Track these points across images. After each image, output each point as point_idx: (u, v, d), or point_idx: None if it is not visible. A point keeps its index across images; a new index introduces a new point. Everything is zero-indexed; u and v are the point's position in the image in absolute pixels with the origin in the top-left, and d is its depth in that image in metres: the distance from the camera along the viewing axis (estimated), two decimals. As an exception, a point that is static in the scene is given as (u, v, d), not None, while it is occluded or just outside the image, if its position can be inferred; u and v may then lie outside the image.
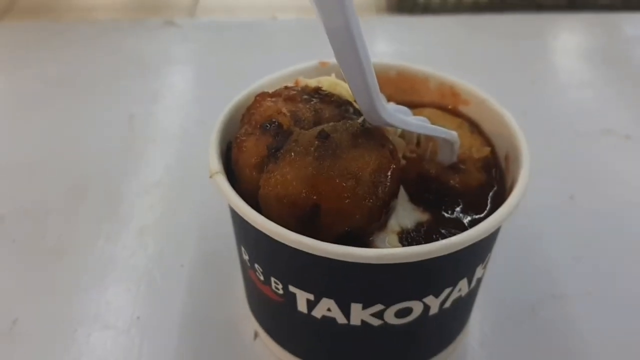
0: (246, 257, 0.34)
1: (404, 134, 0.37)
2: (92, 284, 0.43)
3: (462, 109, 0.39)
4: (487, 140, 0.38)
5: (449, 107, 0.40)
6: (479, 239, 0.29)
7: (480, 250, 0.32)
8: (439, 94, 0.40)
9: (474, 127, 0.38)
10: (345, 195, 0.29)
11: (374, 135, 0.31)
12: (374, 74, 0.28)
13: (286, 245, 0.29)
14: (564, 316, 0.41)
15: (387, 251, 0.28)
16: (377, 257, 0.28)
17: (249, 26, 0.79)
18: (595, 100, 0.65)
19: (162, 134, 0.59)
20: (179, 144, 0.57)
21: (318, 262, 0.29)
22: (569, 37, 0.79)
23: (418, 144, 0.37)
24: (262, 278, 0.33)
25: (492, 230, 0.29)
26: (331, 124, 0.31)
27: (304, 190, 0.29)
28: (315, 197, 0.29)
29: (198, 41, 0.76)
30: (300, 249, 0.28)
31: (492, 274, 0.42)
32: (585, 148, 0.57)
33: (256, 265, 0.33)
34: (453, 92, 0.40)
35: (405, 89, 0.42)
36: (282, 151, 0.30)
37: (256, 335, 0.40)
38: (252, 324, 0.40)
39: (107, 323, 0.41)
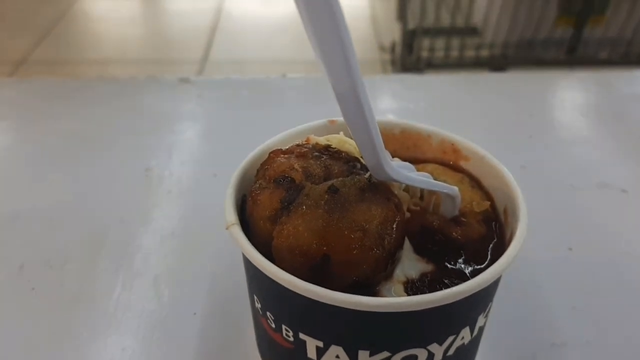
0: (258, 305, 0.36)
1: (408, 188, 0.39)
2: (108, 332, 0.45)
3: (463, 164, 0.42)
4: (486, 195, 0.40)
5: (451, 162, 0.42)
6: (480, 288, 0.31)
7: (481, 300, 0.33)
8: (441, 151, 0.43)
9: (474, 182, 0.41)
10: (354, 246, 0.31)
11: (380, 189, 0.34)
12: (379, 133, 0.30)
13: (297, 294, 0.31)
14: (565, 365, 0.42)
15: (393, 300, 0.30)
16: (384, 305, 0.30)
17: (260, 83, 0.82)
18: (592, 155, 0.67)
19: (176, 186, 0.61)
20: (192, 196, 0.60)
21: (327, 311, 0.31)
22: (566, 94, 0.82)
23: (421, 197, 0.39)
24: (273, 326, 0.35)
25: (492, 280, 0.31)
26: (340, 179, 0.34)
27: (314, 242, 0.31)
28: (325, 248, 0.31)
29: (211, 98, 0.79)
30: (311, 297, 0.30)
31: (494, 323, 0.44)
32: (582, 201, 0.59)
33: (268, 314, 0.35)
34: (454, 149, 0.42)
35: (408, 145, 0.44)
36: (294, 204, 0.33)
37: (266, 381, 0.41)
38: (262, 371, 0.42)
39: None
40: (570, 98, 0.81)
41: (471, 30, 2.19)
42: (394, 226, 0.33)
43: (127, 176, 0.62)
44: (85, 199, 0.59)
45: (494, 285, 0.34)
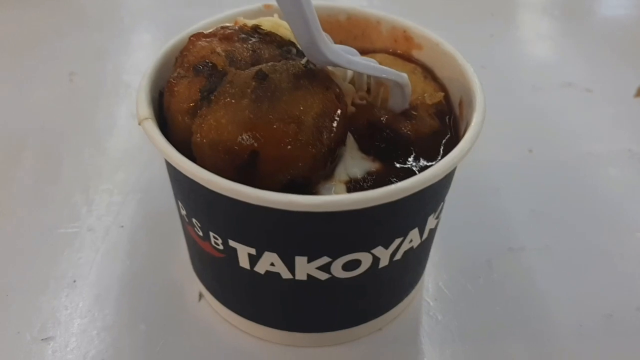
0: (183, 212, 0.32)
1: (354, 80, 0.35)
2: (28, 246, 0.41)
3: (416, 54, 0.37)
4: (441, 87, 0.36)
5: (402, 52, 0.38)
6: (428, 184, 0.27)
7: (431, 198, 0.30)
8: (392, 39, 0.38)
9: (428, 73, 0.36)
10: (286, 140, 0.27)
11: (318, 77, 0.29)
12: (312, 5, 0.25)
13: (222, 196, 0.26)
14: (521, 270, 0.40)
15: (330, 198, 0.26)
16: (319, 204, 0.26)
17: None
18: (556, 55, 0.64)
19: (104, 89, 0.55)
20: (120, 100, 0.54)
21: (257, 213, 0.27)
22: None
23: (368, 91, 0.35)
24: (200, 234, 0.31)
25: (442, 175, 0.28)
26: (270, 64, 0.29)
27: (240, 136, 0.27)
28: (253, 143, 0.27)
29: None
30: (237, 198, 0.26)
31: (447, 228, 0.41)
32: (544, 101, 0.56)
33: (194, 220, 0.31)
34: (406, 37, 0.37)
35: (356, 34, 0.39)
36: (215, 93, 0.28)
37: (201, 296, 0.38)
38: (196, 285, 0.38)
39: (45, 286, 0.38)
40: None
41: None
42: (335, 118, 0.29)
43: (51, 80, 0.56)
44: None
45: (445, 182, 0.30)
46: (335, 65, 0.28)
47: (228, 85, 0.28)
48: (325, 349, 0.35)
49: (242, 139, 0.27)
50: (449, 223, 0.42)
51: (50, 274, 0.39)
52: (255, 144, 0.27)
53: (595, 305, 0.38)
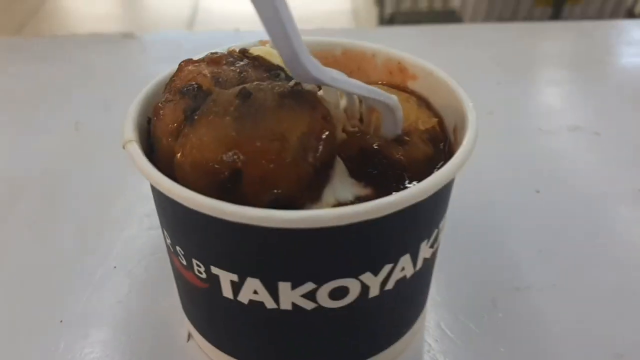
0: (169, 240, 0.31)
1: (346, 109, 0.34)
2: (14, 295, 0.40)
3: (410, 84, 0.37)
4: (435, 114, 0.35)
5: (397, 84, 0.37)
6: (415, 201, 0.26)
7: (420, 221, 0.28)
8: (387, 71, 0.38)
9: (422, 102, 0.36)
10: (270, 158, 0.26)
11: (305, 97, 0.28)
12: (294, 22, 0.25)
13: (200, 215, 0.26)
14: (528, 309, 0.38)
15: (310, 212, 0.25)
16: (298, 219, 0.24)
17: (210, 36, 0.77)
18: (563, 99, 0.63)
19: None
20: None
21: (236, 232, 0.26)
22: (536, 43, 0.77)
23: (361, 120, 0.34)
24: (184, 262, 0.30)
25: (429, 192, 0.26)
26: (255, 83, 0.28)
27: (222, 154, 0.26)
28: (235, 161, 0.26)
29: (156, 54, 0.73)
30: (214, 215, 0.25)
31: (449, 266, 0.39)
32: (552, 144, 0.55)
33: (177, 248, 0.30)
34: (400, 68, 0.37)
35: (352, 68, 0.39)
36: (198, 113, 0.28)
37: (189, 336, 0.36)
38: (185, 325, 0.36)
39: (31, 328, 0.37)
40: (541, 46, 0.76)
41: (449, 14, 2.14)
42: (321, 138, 0.28)
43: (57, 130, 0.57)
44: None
45: (436, 203, 0.29)
46: (319, 82, 0.27)
47: (211, 103, 0.27)
48: (317, 391, 0.33)
49: (224, 157, 0.26)
50: (452, 261, 0.40)
51: (39, 315, 0.38)
52: (238, 163, 0.26)
53: (606, 345, 0.35)
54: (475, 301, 0.38)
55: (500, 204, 0.47)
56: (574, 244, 0.43)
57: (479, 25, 0.81)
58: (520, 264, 0.41)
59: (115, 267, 0.41)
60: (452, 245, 0.40)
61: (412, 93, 0.37)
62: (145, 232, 0.44)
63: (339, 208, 0.25)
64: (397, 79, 0.38)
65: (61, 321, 0.37)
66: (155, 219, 0.44)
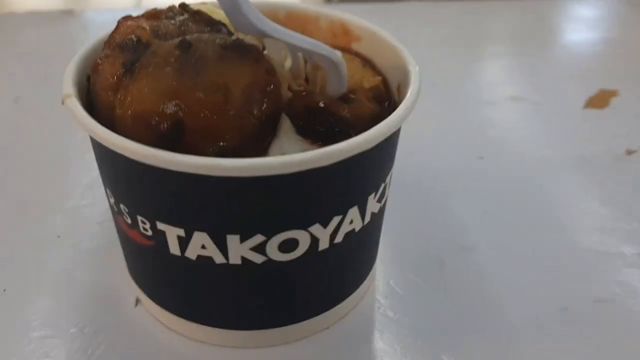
0: (112, 199, 0.30)
1: (292, 69, 0.34)
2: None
3: (355, 46, 0.37)
4: (379, 74, 0.35)
5: (342, 46, 0.38)
6: (361, 149, 0.26)
7: (367, 172, 0.29)
8: (331, 34, 0.38)
9: (366, 62, 0.36)
10: (213, 109, 0.26)
11: (247, 49, 0.28)
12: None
13: (144, 167, 0.25)
14: (474, 267, 0.39)
15: (257, 160, 0.25)
16: (245, 167, 0.24)
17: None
18: (505, 71, 0.65)
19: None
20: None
21: (181, 183, 0.25)
22: (479, 18, 0.79)
23: (306, 80, 0.34)
24: (129, 221, 0.29)
25: (376, 140, 0.27)
26: (196, 34, 0.28)
27: (163, 105, 0.26)
28: (177, 112, 0.26)
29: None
30: (158, 165, 0.25)
31: (400, 228, 0.40)
32: (494, 114, 0.56)
33: (122, 206, 0.29)
34: (344, 30, 0.37)
35: (295, 31, 0.39)
36: (138, 64, 0.27)
37: (137, 301, 0.35)
38: (133, 290, 0.36)
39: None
40: (486, 23, 0.77)
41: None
42: (266, 91, 0.28)
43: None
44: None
45: (381, 154, 0.29)
46: (261, 33, 0.27)
47: (151, 54, 0.27)
48: (268, 350, 0.33)
49: (166, 108, 0.26)
50: (400, 223, 0.41)
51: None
52: (180, 114, 0.26)
53: (551, 299, 0.36)
54: (423, 260, 0.39)
55: (446, 170, 0.48)
56: (517, 206, 0.44)
57: (427, 3, 0.82)
58: (466, 225, 0.42)
59: (59, 236, 0.40)
60: (399, 208, 0.41)
61: (356, 54, 0.37)
62: (89, 202, 0.43)
63: (285, 156, 0.25)
64: (342, 41, 0.38)
65: (4, 290, 0.36)
66: (98, 190, 0.44)
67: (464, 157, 0.49)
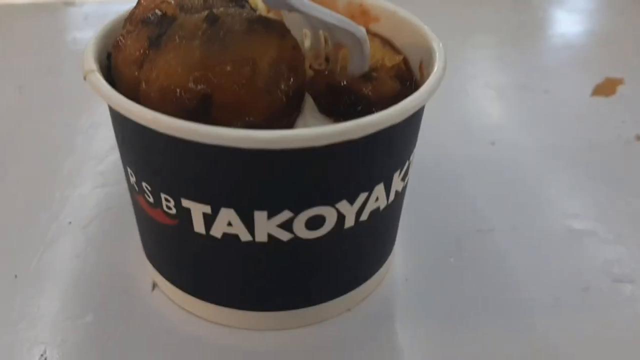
0: (133, 178, 0.30)
1: (312, 49, 0.34)
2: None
3: (373, 27, 0.37)
4: (399, 53, 0.35)
5: (360, 27, 0.37)
6: (392, 122, 0.26)
7: (394, 147, 0.28)
8: (349, 15, 0.37)
9: (386, 42, 0.36)
10: (241, 83, 0.26)
11: (273, 25, 0.28)
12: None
13: (171, 140, 0.25)
14: (492, 250, 0.38)
15: (288, 132, 0.24)
16: (278, 139, 0.24)
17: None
18: (512, 59, 0.65)
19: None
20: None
21: (210, 157, 0.25)
22: (478, 10, 0.79)
23: (327, 60, 0.34)
24: (151, 200, 0.29)
25: (407, 113, 0.26)
26: (222, 8, 0.28)
27: (191, 78, 0.25)
28: (205, 86, 0.25)
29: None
30: (185, 137, 0.24)
31: (415, 211, 0.40)
32: (504, 102, 0.56)
33: (144, 185, 0.29)
34: (362, 10, 0.37)
35: (313, 13, 0.39)
36: (164, 37, 0.26)
37: (154, 286, 0.35)
38: (149, 275, 0.35)
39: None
40: (484, 14, 0.77)
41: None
42: (292, 67, 0.27)
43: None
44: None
45: (409, 130, 0.29)
46: (290, 6, 0.27)
47: (178, 27, 0.26)
48: (288, 332, 0.33)
49: (193, 82, 0.25)
50: (416, 207, 0.40)
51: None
52: (208, 88, 0.25)
53: (571, 280, 0.36)
54: (441, 243, 0.39)
55: (458, 156, 0.47)
56: (531, 189, 0.44)
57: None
58: (481, 209, 0.42)
59: (70, 222, 0.39)
60: (415, 191, 0.40)
61: (375, 35, 0.36)
62: (100, 189, 0.42)
63: (317, 127, 0.24)
64: (359, 21, 0.37)
65: (16, 276, 0.35)
66: (108, 176, 0.43)
67: (476, 143, 0.49)
